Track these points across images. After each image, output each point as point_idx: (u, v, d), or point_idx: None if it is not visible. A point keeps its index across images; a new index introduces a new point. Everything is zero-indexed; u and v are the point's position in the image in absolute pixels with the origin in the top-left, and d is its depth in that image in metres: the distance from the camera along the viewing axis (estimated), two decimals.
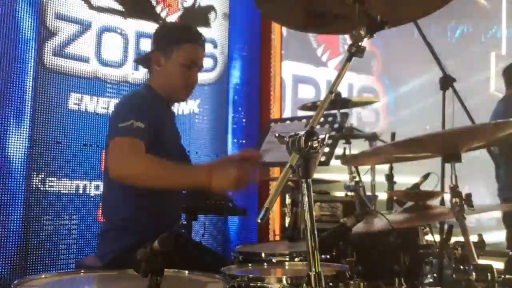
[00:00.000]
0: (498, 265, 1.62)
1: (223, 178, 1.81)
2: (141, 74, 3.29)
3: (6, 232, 2.72)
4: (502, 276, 1.44)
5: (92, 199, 3.05)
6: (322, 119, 2.30)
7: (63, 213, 2.94)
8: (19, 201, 2.78)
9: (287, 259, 1.80)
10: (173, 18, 3.57)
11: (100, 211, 2.75)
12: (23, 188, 2.80)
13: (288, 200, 3.31)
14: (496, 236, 4.33)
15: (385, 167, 3.01)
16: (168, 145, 2.18)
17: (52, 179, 2.91)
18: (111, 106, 3.14)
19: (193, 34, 2.29)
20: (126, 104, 2.15)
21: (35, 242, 2.82)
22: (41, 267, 2.81)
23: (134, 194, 2.04)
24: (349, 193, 3.18)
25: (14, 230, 2.75)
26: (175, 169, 1.91)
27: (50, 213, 2.88)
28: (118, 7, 3.24)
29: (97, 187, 3.06)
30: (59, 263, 2.91)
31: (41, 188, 2.86)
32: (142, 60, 2.42)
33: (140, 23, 3.36)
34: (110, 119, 2.14)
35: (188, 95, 2.34)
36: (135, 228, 2.06)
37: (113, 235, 2.10)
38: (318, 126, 1.21)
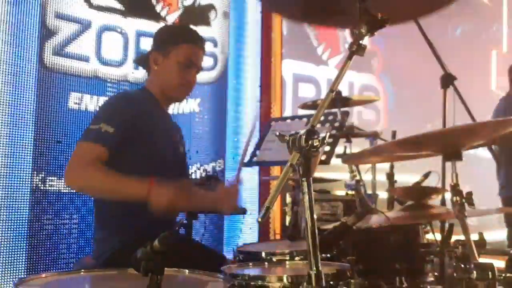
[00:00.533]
0: (499, 263, 1.62)
1: (161, 195, 1.82)
2: (141, 73, 3.28)
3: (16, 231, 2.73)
4: (503, 275, 1.44)
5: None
6: (322, 118, 2.30)
7: (63, 213, 2.94)
8: (25, 200, 2.78)
9: (288, 258, 1.79)
10: (173, 17, 3.56)
11: None
12: (28, 187, 2.80)
13: (288, 199, 3.31)
14: (497, 235, 4.33)
15: (386, 165, 3.00)
16: (160, 146, 2.17)
17: (53, 178, 2.91)
18: None
19: (192, 34, 2.29)
20: (104, 106, 2.17)
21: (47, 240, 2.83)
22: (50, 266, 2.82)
23: None
24: (349, 192, 3.18)
25: (22, 229, 2.76)
26: (119, 182, 1.90)
27: (50, 213, 2.88)
28: (118, 5, 3.24)
29: None
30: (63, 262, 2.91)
31: (42, 188, 2.86)
32: (141, 60, 2.42)
33: (140, 22, 3.35)
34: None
35: (186, 95, 2.34)
36: (128, 228, 2.04)
37: (106, 235, 2.10)
38: (318, 125, 1.21)
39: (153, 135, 2.14)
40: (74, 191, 1.94)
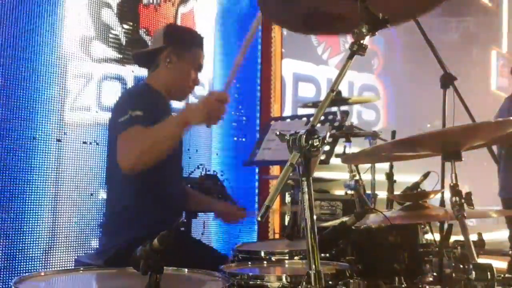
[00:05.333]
0: (499, 264, 1.62)
1: (196, 111, 2.02)
2: None
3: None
4: (502, 275, 1.44)
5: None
6: (322, 117, 2.30)
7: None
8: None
9: (287, 257, 1.80)
10: None
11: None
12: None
13: (288, 199, 3.31)
14: (497, 235, 4.33)
15: (385, 165, 3.01)
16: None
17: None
18: None
19: (202, 39, 2.43)
20: (123, 99, 2.24)
21: None
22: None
23: (138, 187, 2.10)
24: (349, 192, 3.17)
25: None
26: (160, 128, 2.01)
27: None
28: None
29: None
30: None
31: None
32: (144, 54, 2.45)
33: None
34: (111, 117, 2.22)
35: (188, 95, 2.49)
36: (139, 222, 2.08)
37: (116, 228, 2.13)
38: (318, 125, 1.20)
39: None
40: (137, 170, 1.99)
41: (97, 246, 2.77)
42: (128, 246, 1.94)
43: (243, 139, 4.04)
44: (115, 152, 2.04)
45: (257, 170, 4.03)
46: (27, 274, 1.37)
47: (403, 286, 1.79)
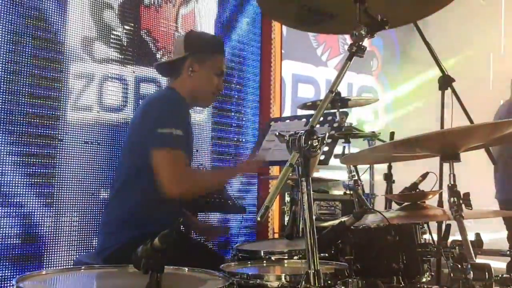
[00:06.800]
0: (497, 264, 1.63)
1: (248, 166, 2.30)
2: None
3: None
4: (500, 275, 1.45)
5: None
6: (321, 118, 2.31)
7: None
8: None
9: (286, 257, 1.81)
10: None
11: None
12: None
13: (287, 199, 3.32)
14: (495, 236, 4.34)
15: (384, 166, 3.02)
16: (191, 148, 2.35)
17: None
18: None
19: (223, 45, 2.48)
20: (164, 108, 2.21)
21: None
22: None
23: (144, 188, 2.14)
24: (347, 192, 3.19)
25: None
26: (212, 176, 2.27)
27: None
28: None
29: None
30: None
31: None
32: (166, 64, 2.49)
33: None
34: (141, 118, 2.23)
35: (213, 102, 2.61)
36: (139, 221, 2.10)
37: (116, 228, 2.14)
38: (317, 125, 1.22)
39: (190, 135, 2.33)
40: (176, 197, 2.13)
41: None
42: (125, 245, 1.97)
43: (243, 140, 4.05)
44: (136, 155, 2.13)
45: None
46: (29, 273, 1.38)
47: (401, 285, 1.81)
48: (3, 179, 2.66)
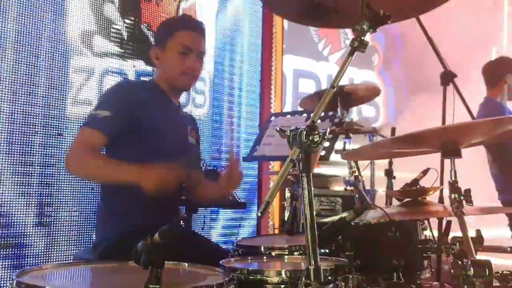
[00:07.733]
0: (497, 260, 1.63)
1: (149, 178, 1.85)
2: None
3: None
4: (500, 272, 1.44)
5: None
6: (322, 114, 2.30)
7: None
8: None
9: (286, 252, 1.81)
10: None
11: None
12: None
13: (287, 194, 3.32)
14: (495, 232, 4.33)
15: (385, 162, 3.01)
16: (163, 135, 2.18)
17: None
18: None
19: (185, 21, 2.30)
20: (105, 93, 2.32)
21: None
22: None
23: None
24: (348, 188, 3.19)
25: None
26: (112, 169, 2.00)
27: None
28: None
29: None
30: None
31: None
32: (149, 58, 2.45)
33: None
34: None
35: (191, 83, 2.29)
36: (131, 218, 2.08)
37: (109, 221, 2.14)
38: (318, 121, 1.21)
39: (156, 124, 2.15)
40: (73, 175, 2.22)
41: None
42: (119, 239, 1.96)
43: (244, 135, 4.05)
44: (114, 143, 2.07)
45: (257, 166, 4.03)
46: (28, 267, 1.38)
47: (401, 281, 1.81)
48: (2, 176, 2.66)
